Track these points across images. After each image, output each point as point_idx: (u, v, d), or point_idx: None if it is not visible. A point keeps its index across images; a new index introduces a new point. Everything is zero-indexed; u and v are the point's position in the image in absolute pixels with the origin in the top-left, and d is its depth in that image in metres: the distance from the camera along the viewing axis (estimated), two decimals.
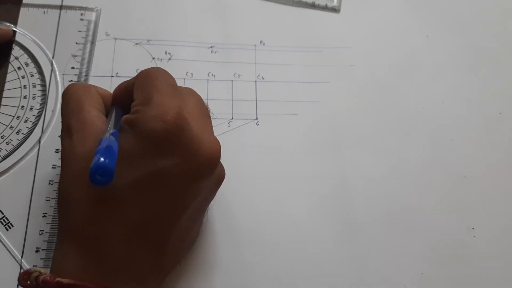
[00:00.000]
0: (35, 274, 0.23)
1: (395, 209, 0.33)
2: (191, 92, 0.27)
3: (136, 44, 0.37)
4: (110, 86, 0.35)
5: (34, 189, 0.31)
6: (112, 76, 0.36)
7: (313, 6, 0.40)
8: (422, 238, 0.32)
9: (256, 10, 0.39)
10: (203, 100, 0.27)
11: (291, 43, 0.38)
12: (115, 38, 0.37)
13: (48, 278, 0.22)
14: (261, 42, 0.38)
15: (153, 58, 0.36)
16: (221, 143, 0.26)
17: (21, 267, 0.29)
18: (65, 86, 0.28)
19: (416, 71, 0.38)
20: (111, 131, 0.24)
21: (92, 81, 0.35)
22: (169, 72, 0.26)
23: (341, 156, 0.34)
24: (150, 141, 0.23)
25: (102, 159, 0.21)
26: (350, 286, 0.31)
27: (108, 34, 0.37)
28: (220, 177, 0.27)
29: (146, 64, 0.36)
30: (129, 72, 0.36)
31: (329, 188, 0.33)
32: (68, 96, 0.27)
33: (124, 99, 0.27)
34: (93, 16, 0.37)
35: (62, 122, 0.27)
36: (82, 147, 0.24)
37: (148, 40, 0.37)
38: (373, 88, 0.37)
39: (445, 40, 0.39)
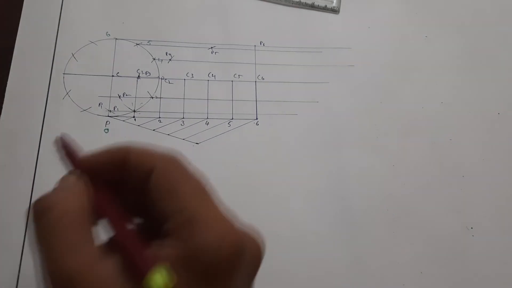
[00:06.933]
0: None
1: (394, 209, 0.33)
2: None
3: (137, 44, 0.37)
4: (110, 86, 0.35)
5: (34, 189, 0.32)
6: (112, 76, 0.36)
7: (312, 7, 0.40)
8: (421, 237, 0.32)
9: (256, 11, 0.39)
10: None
11: (291, 43, 0.38)
12: (116, 38, 0.37)
13: None
14: (261, 42, 0.38)
15: (154, 59, 0.37)
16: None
17: (20, 267, 0.29)
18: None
19: (415, 72, 0.38)
20: None
21: (92, 80, 0.35)
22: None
23: (341, 156, 0.35)
24: (216, 272, 0.17)
25: None
26: (350, 285, 0.31)
27: (109, 34, 0.37)
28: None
29: (146, 64, 0.36)
30: (129, 72, 0.36)
31: (329, 188, 0.33)
32: (48, 229, 0.17)
33: (108, 173, 0.19)
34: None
35: (44, 272, 0.16)
36: None
37: (148, 41, 0.37)
38: (373, 88, 0.37)
39: (444, 41, 0.40)
